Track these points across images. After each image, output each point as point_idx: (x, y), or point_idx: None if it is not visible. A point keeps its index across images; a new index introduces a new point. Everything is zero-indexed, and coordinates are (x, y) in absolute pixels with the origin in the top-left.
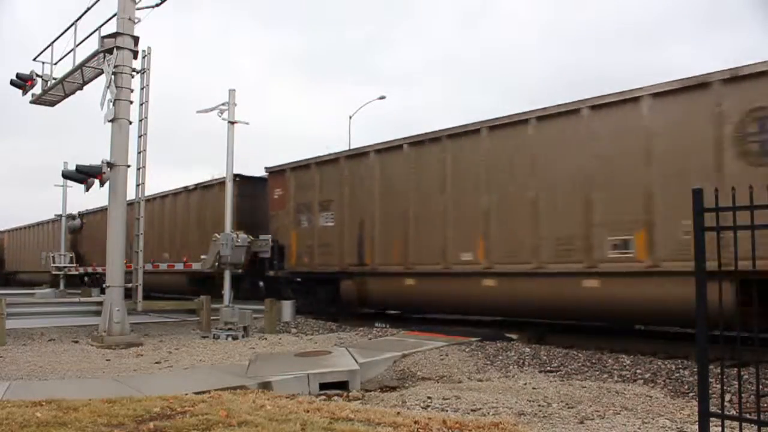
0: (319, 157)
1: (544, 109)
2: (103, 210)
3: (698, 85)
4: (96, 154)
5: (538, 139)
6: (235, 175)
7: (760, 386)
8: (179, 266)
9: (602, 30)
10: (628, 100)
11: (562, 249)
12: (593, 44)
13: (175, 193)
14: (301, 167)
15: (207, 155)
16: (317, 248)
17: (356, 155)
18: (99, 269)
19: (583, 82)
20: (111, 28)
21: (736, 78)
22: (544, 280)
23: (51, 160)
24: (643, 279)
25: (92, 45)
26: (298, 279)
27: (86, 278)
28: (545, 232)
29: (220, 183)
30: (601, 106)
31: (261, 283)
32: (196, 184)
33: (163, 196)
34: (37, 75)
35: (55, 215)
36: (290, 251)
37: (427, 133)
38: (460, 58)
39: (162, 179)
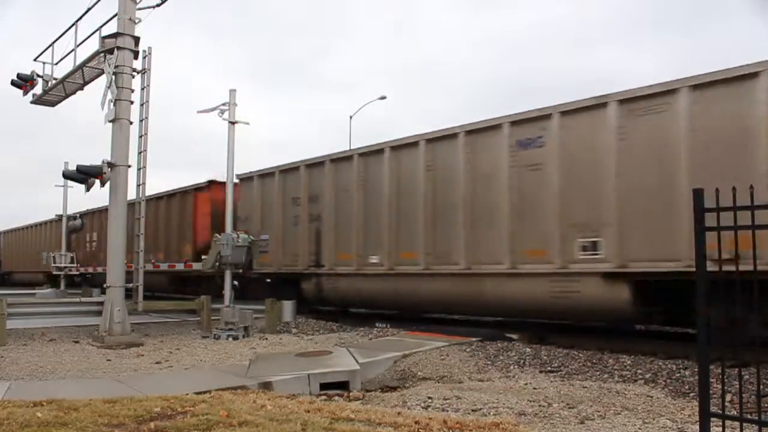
0: None
1: None
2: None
3: None
4: (96, 155)
5: None
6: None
7: (761, 386)
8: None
9: (533, 37)
10: None
11: None
12: (527, 51)
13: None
14: None
15: (176, 158)
16: None
17: None
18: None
19: (526, 88)
20: (111, 28)
21: None
22: None
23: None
24: None
25: (93, 45)
26: None
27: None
28: None
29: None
30: None
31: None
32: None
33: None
34: (38, 75)
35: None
36: None
37: None
38: (399, 65)
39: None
